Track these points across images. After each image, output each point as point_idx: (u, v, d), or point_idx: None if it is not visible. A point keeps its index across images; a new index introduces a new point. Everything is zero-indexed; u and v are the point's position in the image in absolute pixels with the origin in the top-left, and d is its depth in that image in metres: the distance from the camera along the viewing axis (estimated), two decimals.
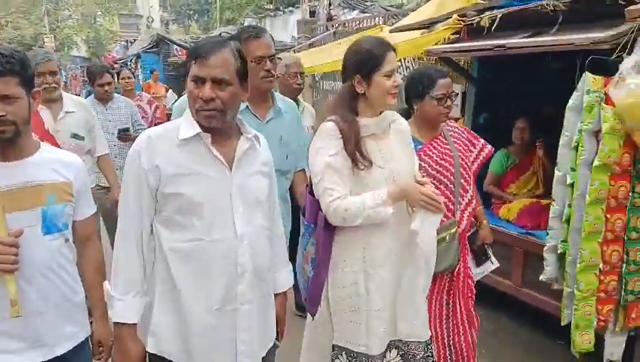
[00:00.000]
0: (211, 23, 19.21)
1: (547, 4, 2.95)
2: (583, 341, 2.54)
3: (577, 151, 2.48)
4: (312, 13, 12.13)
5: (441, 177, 2.30)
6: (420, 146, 2.29)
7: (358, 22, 9.06)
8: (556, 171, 2.66)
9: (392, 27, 4.84)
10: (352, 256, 1.89)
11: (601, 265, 2.50)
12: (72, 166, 1.70)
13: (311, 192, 1.94)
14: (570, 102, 2.53)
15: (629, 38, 2.38)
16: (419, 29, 4.40)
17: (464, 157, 2.38)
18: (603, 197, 2.41)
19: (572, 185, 2.51)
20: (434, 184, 2.14)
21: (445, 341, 2.40)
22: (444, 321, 2.40)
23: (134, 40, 16.48)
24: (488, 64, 3.99)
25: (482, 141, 2.51)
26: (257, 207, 1.63)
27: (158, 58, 13.43)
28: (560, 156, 2.61)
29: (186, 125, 1.53)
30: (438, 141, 2.35)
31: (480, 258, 2.59)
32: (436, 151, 2.32)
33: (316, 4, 12.13)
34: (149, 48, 13.44)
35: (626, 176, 2.44)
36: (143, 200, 1.52)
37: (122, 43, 19.91)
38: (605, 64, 2.51)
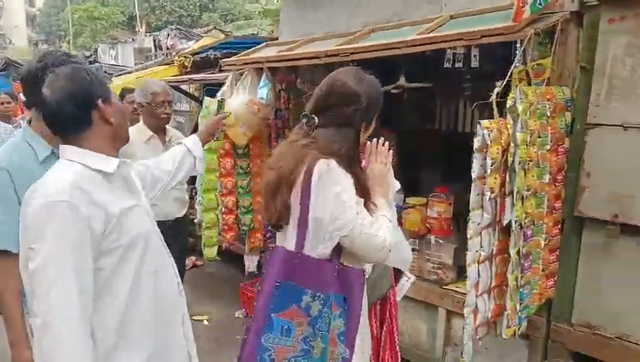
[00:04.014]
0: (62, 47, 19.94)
1: (212, 54, 4.78)
2: (210, 253, 4.25)
3: None
4: (156, 42, 13.60)
5: None
6: None
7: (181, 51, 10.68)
8: None
9: (162, 61, 6.52)
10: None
11: (221, 208, 4.24)
12: None
13: (293, 255, 1.60)
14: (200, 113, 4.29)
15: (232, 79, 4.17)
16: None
17: None
18: (215, 168, 4.15)
19: None
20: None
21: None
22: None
23: None
24: (211, 91, 5.76)
25: None
26: None
27: (7, 80, 13.95)
28: None
29: (97, 160, 1.42)
30: None
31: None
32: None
33: (159, 33, 13.64)
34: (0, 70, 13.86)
35: (230, 155, 4.22)
36: (87, 262, 1.33)
37: None
38: None
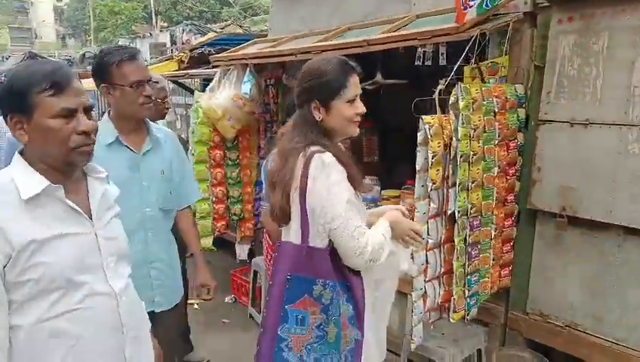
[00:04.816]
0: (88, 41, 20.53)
1: (206, 50, 4.98)
2: (205, 243, 4.46)
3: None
4: (172, 37, 13.94)
5: None
6: None
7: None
8: None
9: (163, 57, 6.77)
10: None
11: (212, 198, 4.44)
12: None
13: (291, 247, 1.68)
14: (192, 106, 4.48)
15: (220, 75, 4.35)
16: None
17: None
18: (205, 159, 4.35)
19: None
20: None
21: None
22: None
23: (9, 56, 17.30)
24: (206, 86, 5.95)
25: None
26: (124, 257, 1.47)
27: None
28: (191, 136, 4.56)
29: (24, 179, 1.26)
30: None
31: None
32: None
33: (175, 28, 13.98)
34: None
35: (219, 147, 4.41)
36: None
37: None
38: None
